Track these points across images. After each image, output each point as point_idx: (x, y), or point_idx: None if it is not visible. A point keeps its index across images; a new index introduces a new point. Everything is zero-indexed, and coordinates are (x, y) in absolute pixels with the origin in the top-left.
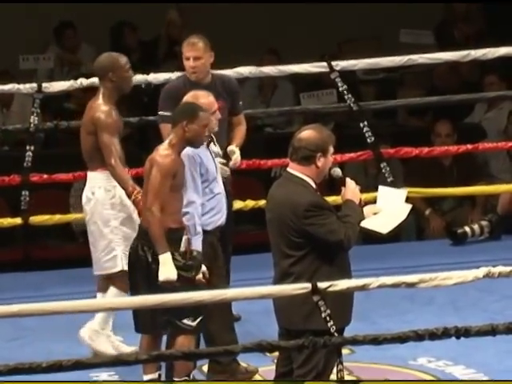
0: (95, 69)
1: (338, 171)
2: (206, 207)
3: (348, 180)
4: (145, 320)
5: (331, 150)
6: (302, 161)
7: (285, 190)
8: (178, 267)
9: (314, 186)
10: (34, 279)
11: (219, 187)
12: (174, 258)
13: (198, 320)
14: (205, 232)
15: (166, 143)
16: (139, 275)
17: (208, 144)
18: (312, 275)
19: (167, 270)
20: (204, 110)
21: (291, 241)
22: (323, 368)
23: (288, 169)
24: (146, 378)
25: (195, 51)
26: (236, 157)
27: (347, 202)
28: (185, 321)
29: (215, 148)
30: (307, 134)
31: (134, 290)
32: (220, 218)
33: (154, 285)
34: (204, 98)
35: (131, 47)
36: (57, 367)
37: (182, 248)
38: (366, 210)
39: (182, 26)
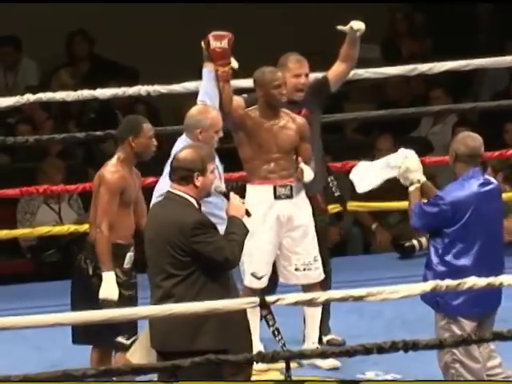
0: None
1: (221, 187)
2: None
3: (232, 195)
4: (79, 331)
5: (210, 167)
6: (180, 181)
7: (169, 210)
8: (119, 284)
9: (196, 204)
10: None
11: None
12: (116, 275)
13: (133, 339)
14: None
15: (114, 159)
16: (79, 287)
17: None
18: (195, 295)
19: (109, 288)
20: (146, 121)
21: (177, 260)
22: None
23: (170, 188)
24: None
25: (306, 68)
26: None
27: (231, 218)
28: (119, 338)
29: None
30: (184, 153)
31: (73, 303)
32: None
33: (91, 298)
34: (212, 112)
35: (81, 56)
36: (4, 382)
37: (126, 265)
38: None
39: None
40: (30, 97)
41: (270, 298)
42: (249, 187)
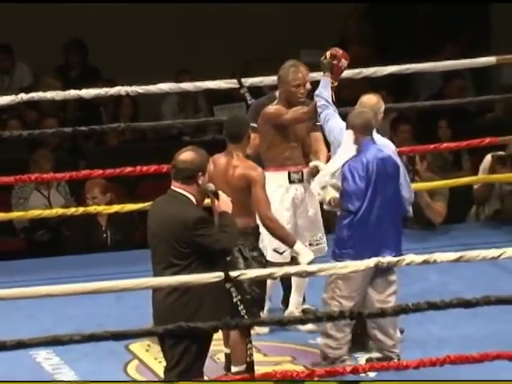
0: None
1: (210, 186)
2: None
3: (220, 193)
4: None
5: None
6: (185, 180)
7: (173, 206)
8: (257, 261)
9: (195, 201)
10: None
11: None
12: (252, 252)
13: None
14: None
15: (241, 156)
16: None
17: None
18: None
19: (306, 254)
20: None
21: (180, 251)
22: (193, 362)
23: (172, 187)
24: (234, 369)
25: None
26: None
27: (223, 213)
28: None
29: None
30: (190, 155)
31: None
32: None
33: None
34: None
35: (72, 65)
36: (1, 346)
37: (261, 244)
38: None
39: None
40: (23, 96)
41: (233, 273)
42: (266, 174)
